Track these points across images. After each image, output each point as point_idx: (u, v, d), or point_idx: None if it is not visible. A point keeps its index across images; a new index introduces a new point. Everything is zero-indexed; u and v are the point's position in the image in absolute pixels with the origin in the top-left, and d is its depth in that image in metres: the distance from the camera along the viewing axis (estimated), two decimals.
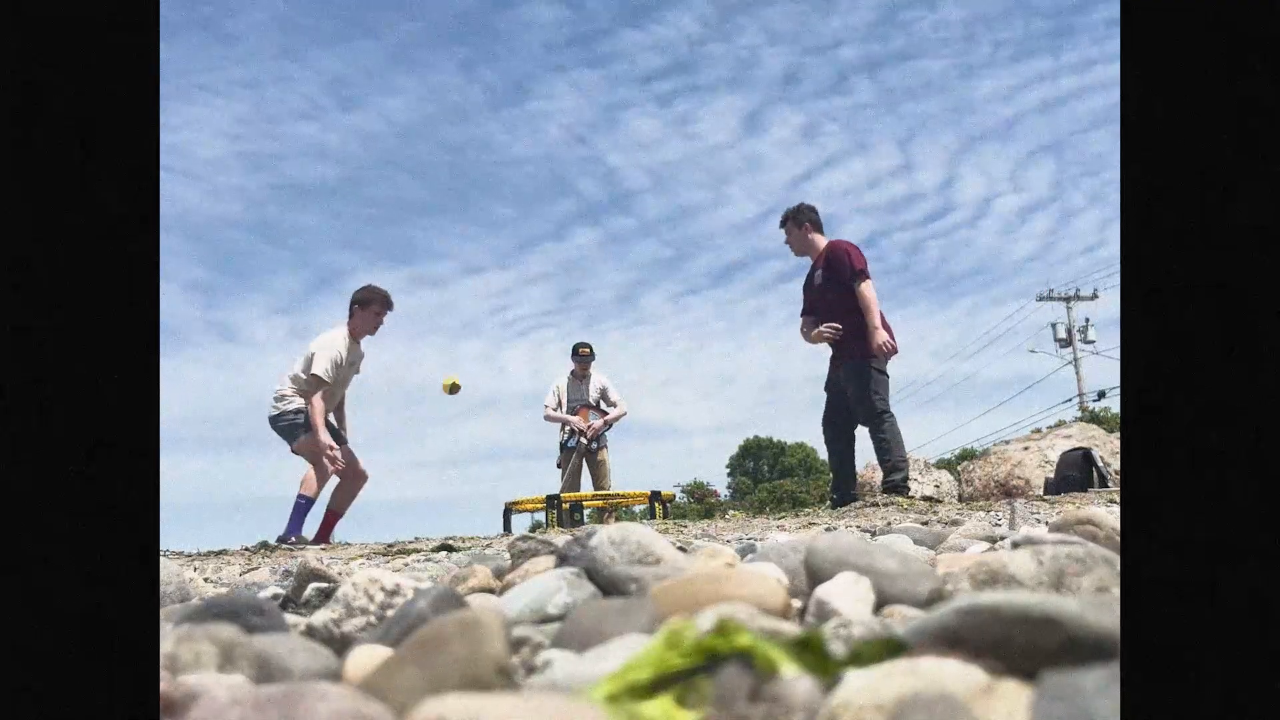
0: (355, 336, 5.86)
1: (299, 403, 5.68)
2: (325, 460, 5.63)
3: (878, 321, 5.74)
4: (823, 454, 6.38)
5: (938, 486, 10.18)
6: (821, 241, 5.98)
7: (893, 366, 5.95)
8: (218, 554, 4.96)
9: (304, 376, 5.66)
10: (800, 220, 5.98)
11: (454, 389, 6.10)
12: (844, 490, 5.94)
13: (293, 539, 5.57)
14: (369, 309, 5.84)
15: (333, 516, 6.02)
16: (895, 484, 5.70)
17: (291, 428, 5.68)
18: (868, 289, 5.73)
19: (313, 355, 5.65)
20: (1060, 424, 13.26)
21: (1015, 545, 1.15)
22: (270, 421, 5.80)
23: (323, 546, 5.31)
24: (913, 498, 5.90)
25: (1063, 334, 29.16)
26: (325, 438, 5.60)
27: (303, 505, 5.72)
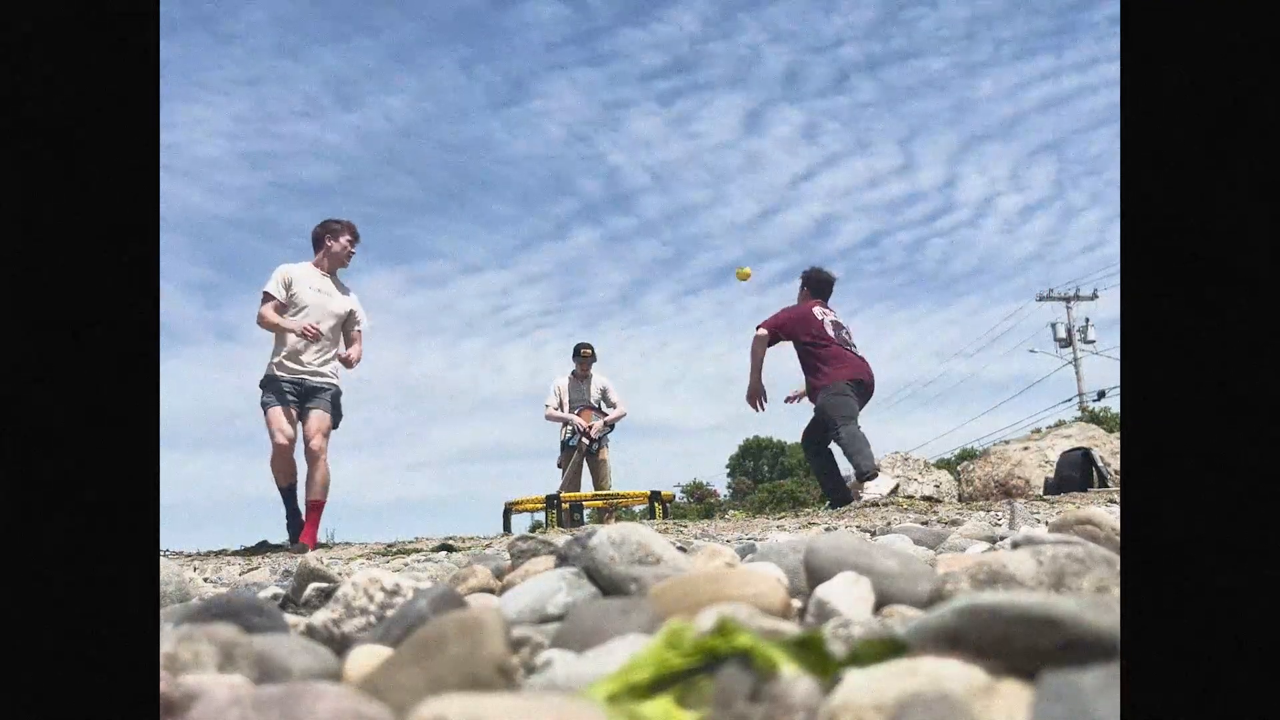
0: (321, 268, 5.44)
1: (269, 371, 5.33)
2: (269, 429, 5.21)
3: (750, 373, 6.56)
4: None
5: (938, 486, 10.18)
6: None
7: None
8: (218, 554, 4.95)
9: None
10: (803, 284, 6.79)
11: (745, 276, 6.34)
12: (836, 492, 6.25)
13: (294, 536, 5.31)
14: (339, 239, 5.44)
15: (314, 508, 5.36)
16: (862, 474, 6.11)
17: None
18: (754, 342, 6.53)
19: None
20: (1060, 424, 13.26)
21: (1015, 545, 1.15)
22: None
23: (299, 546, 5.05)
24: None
25: (1063, 334, 29.14)
26: (290, 323, 5.19)
27: (284, 498, 5.32)
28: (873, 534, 2.60)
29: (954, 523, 3.56)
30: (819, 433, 6.42)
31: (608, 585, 1.05)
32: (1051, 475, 8.51)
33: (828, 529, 3.35)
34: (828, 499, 6.38)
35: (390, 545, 4.54)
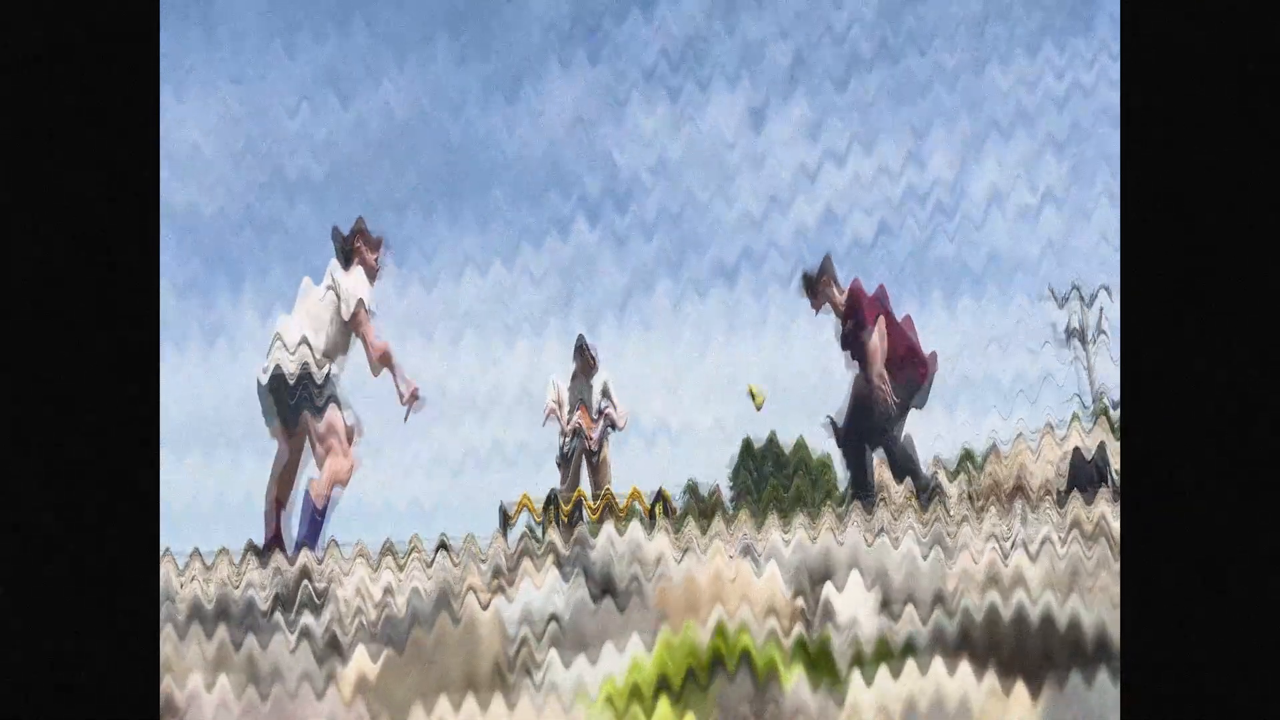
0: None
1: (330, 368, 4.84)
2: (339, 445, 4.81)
3: (878, 371, 5.79)
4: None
5: (938, 487, 10.16)
6: (840, 293, 6.05)
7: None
8: (218, 554, 4.92)
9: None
10: (813, 285, 6.04)
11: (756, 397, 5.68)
12: (864, 489, 6.05)
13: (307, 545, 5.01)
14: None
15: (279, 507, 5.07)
16: (926, 487, 5.74)
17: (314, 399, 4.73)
18: (870, 343, 5.76)
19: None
20: (1061, 424, 13.22)
21: (1015, 546, 1.15)
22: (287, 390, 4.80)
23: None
24: (913, 495, 5.95)
25: (1065, 334, 29.10)
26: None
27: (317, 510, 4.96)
28: (873, 534, 2.60)
29: (955, 523, 3.56)
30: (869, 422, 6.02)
31: (608, 585, 1.05)
32: (1053, 475, 8.50)
33: (829, 529, 3.34)
34: (861, 495, 6.11)
35: (389, 545, 4.52)
